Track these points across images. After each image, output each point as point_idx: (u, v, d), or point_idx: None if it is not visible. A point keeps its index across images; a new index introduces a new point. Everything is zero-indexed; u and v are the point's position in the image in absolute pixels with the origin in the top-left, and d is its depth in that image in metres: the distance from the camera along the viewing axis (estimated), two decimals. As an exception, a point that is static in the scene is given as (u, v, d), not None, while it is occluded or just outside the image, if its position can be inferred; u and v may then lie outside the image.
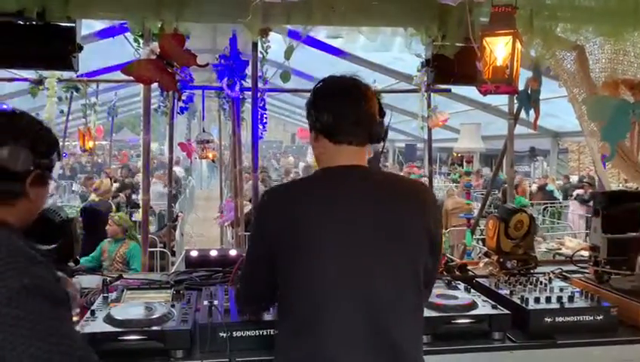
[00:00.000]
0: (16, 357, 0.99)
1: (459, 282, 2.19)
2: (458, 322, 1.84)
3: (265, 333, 1.72)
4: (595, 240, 2.38)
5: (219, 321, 1.72)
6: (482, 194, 8.72)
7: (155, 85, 3.06)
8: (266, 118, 5.78)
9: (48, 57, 2.63)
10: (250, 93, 4.63)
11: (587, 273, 2.45)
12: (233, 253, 2.53)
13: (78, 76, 6.04)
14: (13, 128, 1.21)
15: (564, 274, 2.51)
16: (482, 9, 2.50)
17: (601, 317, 1.93)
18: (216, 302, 1.81)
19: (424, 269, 1.44)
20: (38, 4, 2.46)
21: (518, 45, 2.08)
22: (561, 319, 1.89)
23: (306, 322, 1.35)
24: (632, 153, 2.65)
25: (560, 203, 10.91)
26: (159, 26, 2.69)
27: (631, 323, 1.98)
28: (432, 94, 5.74)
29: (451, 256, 4.03)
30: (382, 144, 1.57)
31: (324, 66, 6.22)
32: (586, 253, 2.66)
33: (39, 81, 6.15)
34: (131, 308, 1.80)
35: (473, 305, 1.90)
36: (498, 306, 1.90)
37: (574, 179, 13.31)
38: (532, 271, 2.46)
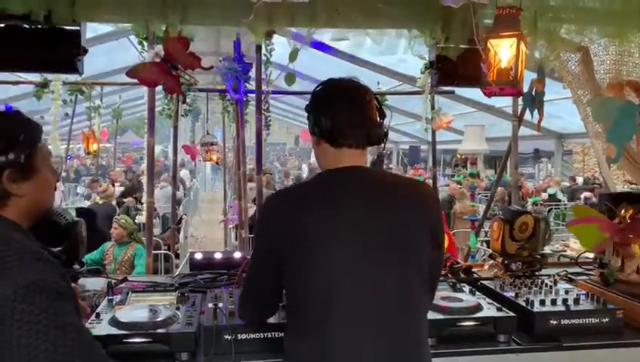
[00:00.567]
0: (32, 353, 1.00)
1: (464, 284, 2.18)
2: (463, 324, 1.83)
3: (270, 336, 1.72)
4: (601, 242, 2.37)
5: (224, 324, 1.71)
6: (486, 196, 8.70)
7: (159, 88, 3.08)
8: (269, 120, 5.79)
9: (53, 61, 2.64)
10: (254, 95, 4.63)
11: (592, 275, 2.44)
12: (237, 255, 2.53)
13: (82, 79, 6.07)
14: None
15: (569, 276, 2.50)
16: (486, 11, 2.50)
17: (606, 319, 1.92)
18: (221, 305, 1.81)
19: (429, 268, 1.46)
20: (44, 7, 2.47)
21: (523, 47, 2.07)
22: (566, 321, 1.89)
23: (314, 323, 1.35)
24: (639, 155, 2.64)
25: (565, 205, 10.87)
26: (164, 29, 2.70)
27: (637, 326, 1.97)
28: (435, 96, 5.74)
29: (456, 258, 4.01)
30: (382, 146, 1.58)
31: (328, 68, 6.23)
32: (591, 255, 2.65)
33: (44, 84, 6.18)
34: (136, 311, 1.80)
35: (478, 308, 1.89)
36: (503, 309, 1.90)
37: (580, 180, 13.26)
38: (537, 273, 2.45)
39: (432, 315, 1.72)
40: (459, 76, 2.94)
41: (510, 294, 2.07)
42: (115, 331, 1.66)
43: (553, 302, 1.95)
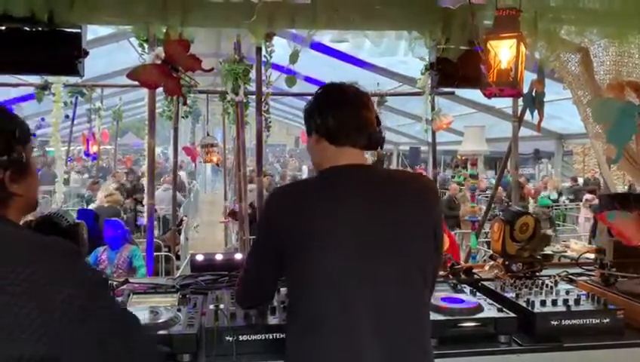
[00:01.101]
0: (108, 350, 1.02)
1: (464, 285, 2.18)
2: (464, 325, 1.83)
3: (271, 337, 1.72)
4: (602, 242, 2.37)
5: (225, 325, 1.72)
6: (486, 196, 8.70)
7: (159, 89, 3.08)
8: (269, 121, 5.79)
9: (54, 63, 2.64)
10: (254, 96, 4.64)
11: (593, 276, 2.44)
12: (238, 256, 2.54)
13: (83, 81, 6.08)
14: None
15: (570, 276, 2.50)
16: (486, 12, 2.51)
17: (607, 320, 1.92)
18: (222, 306, 1.82)
19: (430, 264, 1.48)
20: (45, 9, 2.48)
21: (523, 48, 2.08)
22: (567, 322, 1.89)
23: (316, 321, 1.36)
24: (639, 156, 2.64)
25: (566, 205, 10.86)
26: (164, 31, 2.71)
27: (638, 326, 1.97)
28: (435, 97, 5.74)
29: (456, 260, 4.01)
30: (386, 149, 1.62)
31: (328, 70, 6.23)
32: (591, 256, 2.66)
33: (44, 86, 6.19)
34: (137, 313, 1.80)
35: (479, 309, 1.90)
36: (504, 309, 1.90)
37: (581, 181, 13.24)
38: (538, 273, 2.45)
39: (432, 316, 1.72)
40: (459, 77, 2.94)
41: (511, 295, 2.07)
42: (116, 333, 1.66)
43: (554, 303, 1.96)
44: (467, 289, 2.14)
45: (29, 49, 2.55)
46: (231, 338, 1.69)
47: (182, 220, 8.28)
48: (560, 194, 11.35)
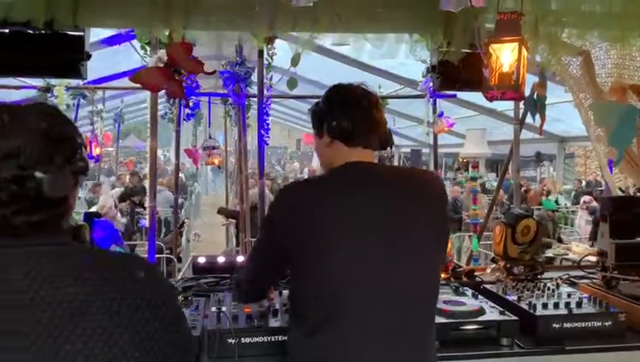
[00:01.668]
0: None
1: (466, 288, 2.19)
2: (466, 328, 1.84)
3: (273, 339, 1.72)
4: (603, 245, 2.37)
5: (227, 328, 1.72)
6: (489, 199, 8.68)
7: (161, 92, 3.09)
8: (268, 123, 5.79)
9: (57, 66, 2.65)
10: (255, 99, 4.65)
11: (595, 278, 2.44)
12: (240, 259, 2.54)
13: (85, 83, 6.08)
14: (46, 145, 0.92)
15: (571, 279, 2.50)
16: (488, 15, 2.51)
17: (609, 322, 1.92)
18: (224, 309, 1.82)
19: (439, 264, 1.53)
20: (46, 14, 2.49)
21: (524, 52, 2.08)
22: (569, 325, 1.89)
23: (326, 320, 1.35)
24: (640, 158, 2.64)
25: (567, 208, 10.84)
26: (167, 34, 2.72)
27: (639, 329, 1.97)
28: (437, 100, 5.74)
29: (458, 262, 4.02)
30: (388, 150, 1.64)
31: (329, 72, 6.24)
32: (593, 259, 2.65)
33: (47, 89, 6.20)
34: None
35: (481, 311, 1.90)
36: (506, 312, 1.90)
37: (585, 183, 13.23)
38: (539, 276, 2.45)
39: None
40: (461, 80, 2.95)
41: (513, 298, 2.07)
42: (118, 335, 1.66)
43: (556, 306, 1.96)
44: (469, 292, 2.14)
45: (32, 52, 2.56)
46: (233, 341, 1.69)
47: (183, 222, 8.28)
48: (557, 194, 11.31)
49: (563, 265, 4.97)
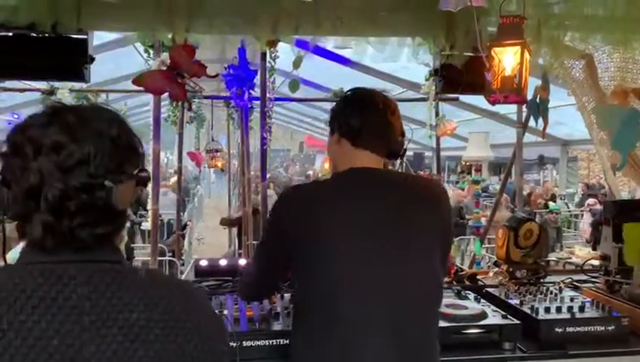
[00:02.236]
0: None
1: (469, 292, 2.18)
2: (468, 332, 1.83)
3: (275, 343, 1.72)
4: (606, 249, 2.37)
5: (229, 331, 1.72)
6: (491, 203, 8.66)
7: (164, 95, 3.10)
8: (269, 126, 5.79)
9: (60, 69, 2.66)
10: (258, 102, 4.65)
11: (598, 282, 2.43)
12: (242, 262, 2.54)
13: (88, 86, 6.10)
14: (115, 152, 0.87)
15: (574, 283, 2.49)
16: (490, 18, 2.51)
17: (612, 327, 1.91)
18: (226, 312, 1.82)
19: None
20: (50, 17, 2.50)
21: (527, 55, 2.08)
22: (571, 329, 1.88)
23: (328, 323, 1.36)
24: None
25: (569, 211, 10.80)
26: (170, 37, 2.73)
27: (643, 334, 1.97)
28: (439, 103, 5.74)
29: (460, 266, 4.01)
30: (398, 161, 1.63)
31: (331, 75, 6.24)
32: (596, 262, 2.65)
33: (51, 92, 6.22)
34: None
35: (483, 315, 1.89)
36: (508, 316, 1.90)
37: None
38: (542, 280, 2.45)
39: (436, 323, 1.72)
40: (463, 83, 2.95)
41: (515, 301, 2.07)
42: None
43: (558, 310, 1.95)
44: (471, 295, 2.14)
45: (35, 55, 2.57)
46: (235, 344, 1.69)
47: (186, 225, 8.28)
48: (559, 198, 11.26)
49: (566, 269, 4.95)
